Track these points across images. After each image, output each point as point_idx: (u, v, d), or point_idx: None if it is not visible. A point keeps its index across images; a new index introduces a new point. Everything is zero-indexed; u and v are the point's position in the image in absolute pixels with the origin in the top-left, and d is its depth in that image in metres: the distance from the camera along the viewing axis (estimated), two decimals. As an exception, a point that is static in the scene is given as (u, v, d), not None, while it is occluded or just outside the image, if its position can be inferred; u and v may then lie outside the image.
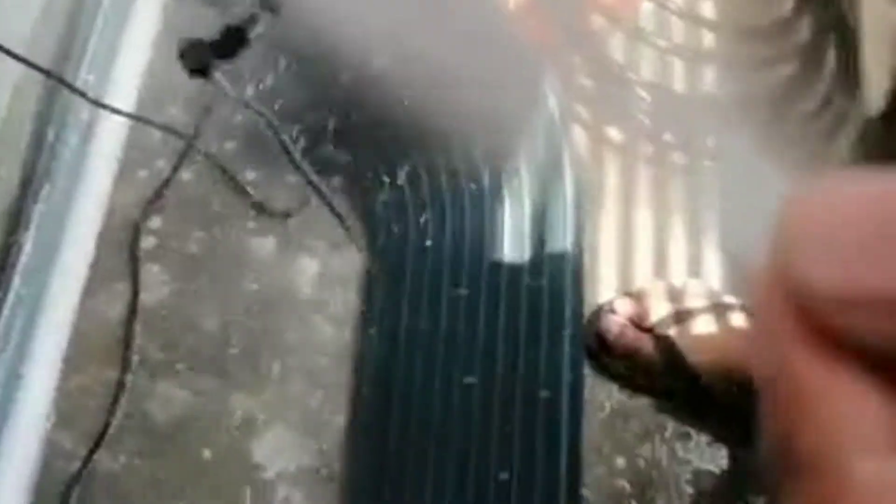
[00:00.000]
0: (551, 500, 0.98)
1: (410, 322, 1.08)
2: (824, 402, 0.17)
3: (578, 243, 1.08)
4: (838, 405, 0.17)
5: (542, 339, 1.03)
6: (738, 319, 1.09)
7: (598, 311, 1.11)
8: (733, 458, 1.07)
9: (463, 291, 1.07)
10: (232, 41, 0.35)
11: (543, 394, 1.01)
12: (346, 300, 1.11)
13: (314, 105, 1.19)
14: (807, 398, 0.18)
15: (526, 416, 1.00)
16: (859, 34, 0.96)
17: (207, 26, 1.20)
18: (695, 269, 1.17)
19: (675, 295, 1.11)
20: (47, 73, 1.10)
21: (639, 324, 1.09)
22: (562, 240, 1.08)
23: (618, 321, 1.09)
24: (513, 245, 1.08)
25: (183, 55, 0.36)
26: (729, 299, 1.11)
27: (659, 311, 1.09)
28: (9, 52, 1.04)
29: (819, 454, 0.17)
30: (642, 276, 1.17)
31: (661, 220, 1.20)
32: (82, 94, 1.11)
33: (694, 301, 1.10)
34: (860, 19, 0.96)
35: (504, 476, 0.98)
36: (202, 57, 0.35)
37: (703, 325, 1.09)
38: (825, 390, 0.17)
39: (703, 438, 1.08)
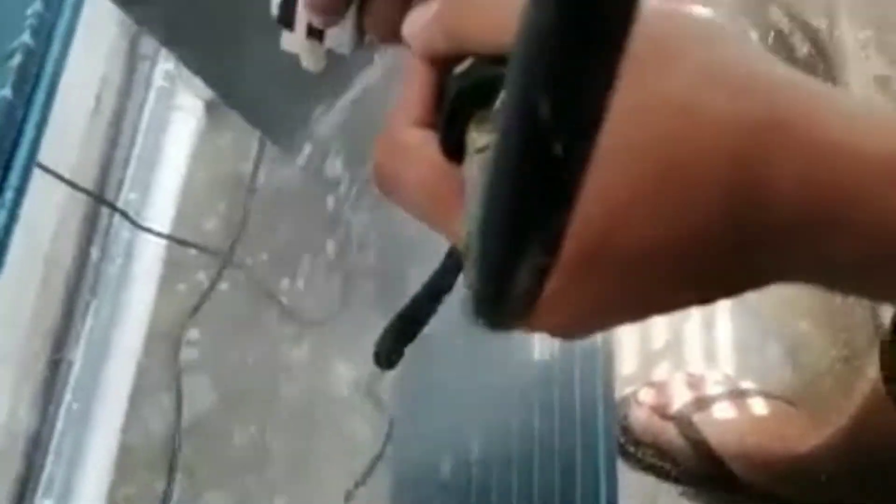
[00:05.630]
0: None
1: (442, 421, 1.12)
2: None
3: (607, 337, 1.13)
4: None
5: (576, 429, 1.07)
6: (756, 405, 1.15)
7: (623, 403, 1.16)
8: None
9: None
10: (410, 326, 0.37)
11: (580, 485, 1.05)
12: (380, 403, 1.16)
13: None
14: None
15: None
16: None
17: (242, 146, 1.27)
18: (710, 357, 1.23)
19: (694, 383, 1.16)
20: (90, 194, 1.15)
21: (662, 413, 1.14)
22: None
23: (643, 411, 1.14)
24: (542, 338, 1.13)
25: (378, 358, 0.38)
26: (745, 385, 1.17)
27: (681, 398, 1.14)
28: (56, 175, 1.10)
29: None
30: (660, 367, 1.22)
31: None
32: (124, 215, 1.16)
33: (713, 388, 1.15)
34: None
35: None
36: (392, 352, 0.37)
37: (723, 411, 1.14)
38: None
39: (731, 522, 1.12)
